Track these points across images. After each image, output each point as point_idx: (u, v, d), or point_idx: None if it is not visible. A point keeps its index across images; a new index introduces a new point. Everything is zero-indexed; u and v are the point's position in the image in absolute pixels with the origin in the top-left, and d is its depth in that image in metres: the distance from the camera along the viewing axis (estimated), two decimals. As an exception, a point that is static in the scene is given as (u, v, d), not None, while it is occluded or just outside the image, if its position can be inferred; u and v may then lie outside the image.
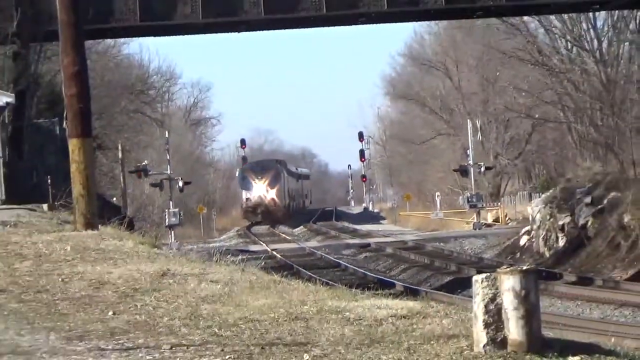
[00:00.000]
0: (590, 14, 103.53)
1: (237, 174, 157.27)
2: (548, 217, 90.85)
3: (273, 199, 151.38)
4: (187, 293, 29.08)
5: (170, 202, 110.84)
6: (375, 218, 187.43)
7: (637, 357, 24.72)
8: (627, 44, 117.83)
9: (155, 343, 22.37)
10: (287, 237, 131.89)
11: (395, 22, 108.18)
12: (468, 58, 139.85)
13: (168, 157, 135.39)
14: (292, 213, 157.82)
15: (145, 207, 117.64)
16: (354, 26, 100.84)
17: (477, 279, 22.34)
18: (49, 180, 52.92)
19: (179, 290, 29.41)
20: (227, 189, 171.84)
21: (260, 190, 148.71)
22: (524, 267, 30.34)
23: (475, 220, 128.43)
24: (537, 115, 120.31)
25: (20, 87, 64.39)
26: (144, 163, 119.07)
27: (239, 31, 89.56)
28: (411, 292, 46.89)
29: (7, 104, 60.38)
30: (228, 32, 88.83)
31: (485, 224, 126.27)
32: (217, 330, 23.73)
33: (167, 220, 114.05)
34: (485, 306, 21.27)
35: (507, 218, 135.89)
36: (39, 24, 57.76)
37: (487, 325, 21.08)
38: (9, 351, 21.81)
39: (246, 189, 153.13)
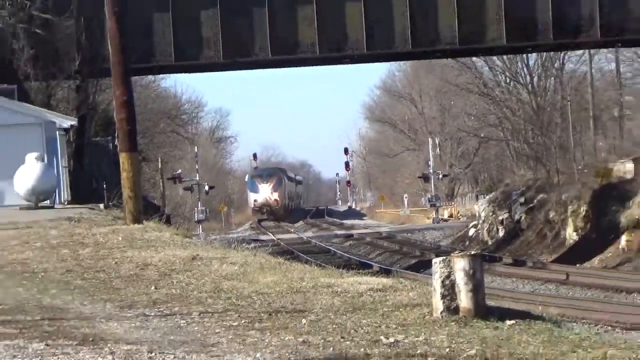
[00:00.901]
0: (524, 55, 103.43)
1: (246, 180, 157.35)
2: (490, 213, 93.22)
3: (276, 200, 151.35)
4: (211, 272, 29.20)
5: (199, 202, 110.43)
6: (357, 214, 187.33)
7: (558, 321, 25.04)
8: (552, 78, 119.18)
9: (187, 310, 22.47)
10: (290, 229, 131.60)
11: (372, 62, 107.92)
12: (429, 90, 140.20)
13: (197, 167, 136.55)
14: (291, 211, 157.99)
15: (179, 206, 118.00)
16: (341, 65, 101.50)
17: (436, 261, 22.79)
18: (104, 186, 53.07)
19: (205, 270, 29.51)
20: (243, 192, 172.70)
21: (266, 193, 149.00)
22: (472, 252, 31.55)
23: (434, 216, 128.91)
24: (482, 135, 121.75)
25: (81, 113, 64.44)
26: (178, 172, 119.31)
27: (251, 69, 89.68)
28: (385, 271, 46.78)
29: (71, 126, 60.48)
30: (243, 69, 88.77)
31: (442, 219, 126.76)
32: (234, 301, 23.84)
33: (196, 216, 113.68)
34: (442, 282, 21.64)
35: (459, 214, 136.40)
36: (95, 63, 57.70)
37: (443, 296, 21.42)
38: (75, 317, 21.86)
39: (254, 192, 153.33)
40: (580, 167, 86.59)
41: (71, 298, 24.98)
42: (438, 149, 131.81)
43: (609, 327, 29.93)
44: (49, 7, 65.07)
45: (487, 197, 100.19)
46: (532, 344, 19.02)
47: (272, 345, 18.50)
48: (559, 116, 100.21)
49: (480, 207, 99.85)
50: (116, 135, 48.99)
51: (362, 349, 18.05)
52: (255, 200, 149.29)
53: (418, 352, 17.88)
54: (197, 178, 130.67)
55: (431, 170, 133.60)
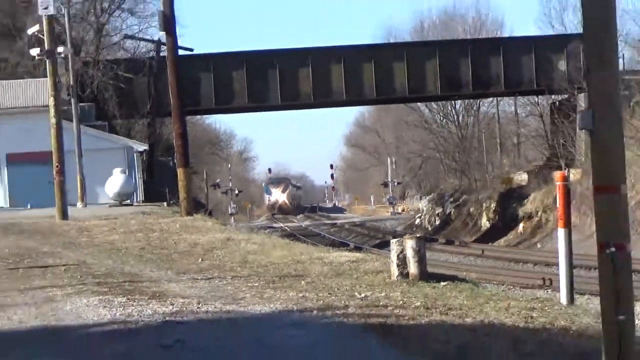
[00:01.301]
0: (453, 102, 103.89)
1: (263, 186, 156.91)
2: (430, 209, 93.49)
3: (284, 200, 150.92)
4: (240, 249, 29.37)
5: (231, 201, 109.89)
6: (339, 210, 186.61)
7: (476, 282, 25.23)
8: (471, 117, 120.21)
9: (223, 275, 22.56)
10: (293, 220, 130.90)
11: (349, 106, 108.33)
12: (388, 124, 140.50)
13: (230, 178, 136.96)
14: (294, 208, 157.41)
15: (218, 204, 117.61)
16: (328, 108, 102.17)
17: (393, 241, 23.05)
18: (167, 190, 53.34)
19: (235, 248, 29.64)
20: (261, 195, 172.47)
21: (277, 195, 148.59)
22: (417, 235, 31.60)
23: (391, 210, 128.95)
24: (424, 155, 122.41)
25: (151, 141, 64.52)
26: (217, 181, 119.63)
27: (267, 111, 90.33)
28: (358, 248, 46.68)
29: (144, 150, 60.63)
30: (261, 111, 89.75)
31: (397, 212, 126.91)
32: (255, 269, 23.94)
33: (229, 211, 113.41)
34: (397, 255, 21.70)
35: (408, 209, 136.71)
36: (161, 107, 57.86)
37: (398, 265, 21.51)
38: (146, 280, 21.94)
39: (269, 194, 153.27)
40: (491, 177, 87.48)
41: (143, 267, 25.08)
42: (394, 165, 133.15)
43: (511, 287, 30.09)
44: (129, 69, 65.01)
45: (427, 197, 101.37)
46: (458, 298, 19.07)
47: (281, 299, 18.56)
48: (476, 142, 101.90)
49: (423, 204, 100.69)
50: (175, 156, 48.88)
51: (342, 302, 18.05)
52: (269, 200, 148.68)
53: (381, 303, 17.85)
54: (230, 185, 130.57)
55: (389, 180, 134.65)
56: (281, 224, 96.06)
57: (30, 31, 50.91)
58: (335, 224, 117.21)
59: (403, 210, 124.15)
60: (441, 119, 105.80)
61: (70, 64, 52.31)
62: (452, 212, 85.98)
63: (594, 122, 11.16)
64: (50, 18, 46.38)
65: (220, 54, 67.96)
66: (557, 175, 24.87)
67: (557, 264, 20.84)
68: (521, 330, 15.89)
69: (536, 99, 78.99)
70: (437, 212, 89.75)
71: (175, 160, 49.83)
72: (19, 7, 64.40)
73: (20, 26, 56.84)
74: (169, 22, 47.22)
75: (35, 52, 48.09)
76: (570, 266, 20.14)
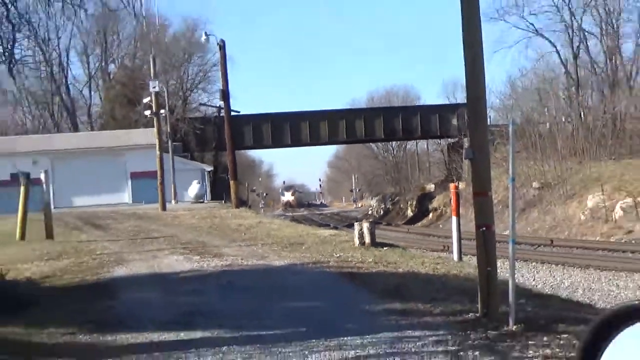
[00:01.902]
0: (392, 143, 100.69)
1: (280, 191, 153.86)
2: (377, 205, 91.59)
3: (292, 200, 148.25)
4: (266, 228, 29.08)
5: (261, 200, 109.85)
6: (324, 206, 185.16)
7: (405, 248, 25.00)
8: (402, 152, 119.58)
9: (256, 243, 22.36)
10: (298, 211, 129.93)
11: (331, 144, 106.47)
12: (354, 155, 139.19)
13: (260, 186, 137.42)
14: (298, 204, 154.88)
15: (253, 202, 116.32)
16: (318, 146, 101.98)
17: (355, 224, 22.92)
18: (224, 194, 52.74)
19: (264, 227, 29.39)
20: (279, 196, 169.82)
21: (288, 197, 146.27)
22: (369, 220, 31.32)
23: (355, 206, 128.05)
24: (374, 173, 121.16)
25: (215, 165, 63.55)
26: (254, 188, 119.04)
27: (283, 147, 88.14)
28: (335, 228, 46.23)
29: (211, 170, 59.96)
30: (279, 147, 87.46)
31: (358, 207, 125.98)
32: (275, 239, 23.68)
33: (260, 206, 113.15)
34: (358, 232, 21.47)
35: (364, 205, 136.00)
36: (221, 144, 56.83)
37: (358, 237, 21.28)
38: (211, 245, 21.76)
39: (283, 196, 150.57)
40: (412, 186, 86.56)
41: (210, 238, 24.87)
42: (356, 179, 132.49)
43: (425, 250, 29.61)
44: (202, 122, 64.60)
45: (376, 198, 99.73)
46: (394, 257, 19.04)
47: (291, 257, 18.52)
48: (403, 166, 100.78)
49: (373, 202, 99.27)
50: (228, 173, 48.53)
51: (326, 258, 17.98)
52: (283, 199, 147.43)
53: (349, 260, 17.77)
54: (261, 190, 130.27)
55: (353, 188, 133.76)
56: (290, 214, 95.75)
57: (144, 101, 50.93)
58: (322, 213, 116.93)
59: (361, 205, 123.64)
60: (384, 152, 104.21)
61: (167, 120, 52.28)
62: (390, 207, 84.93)
63: (473, 155, 11.23)
64: (156, 93, 46.54)
65: (255, 114, 67.74)
66: (451, 185, 24.98)
67: (451, 237, 20.85)
68: (431, 275, 15.89)
69: (439, 141, 78.21)
70: (381, 206, 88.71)
71: (229, 176, 49.36)
72: (138, 87, 64.18)
73: (139, 98, 56.69)
74: (225, 96, 47.27)
75: (147, 113, 48.28)
76: (459, 238, 20.24)
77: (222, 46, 47.88)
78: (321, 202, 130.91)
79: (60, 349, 9.97)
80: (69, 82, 77.92)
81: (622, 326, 1.16)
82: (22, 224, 25.33)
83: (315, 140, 74.20)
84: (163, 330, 10.70)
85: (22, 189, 26.15)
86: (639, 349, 1.10)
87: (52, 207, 27.98)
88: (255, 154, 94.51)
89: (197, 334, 10.43)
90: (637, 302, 1.19)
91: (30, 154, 50.84)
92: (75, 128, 74.83)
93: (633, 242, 35.72)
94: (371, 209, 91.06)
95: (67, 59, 77.16)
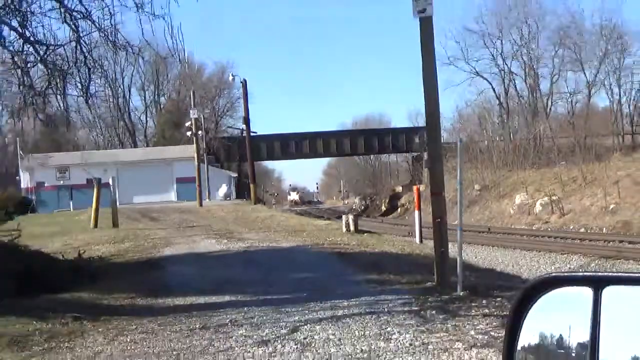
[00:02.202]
0: (371, 155, 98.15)
1: (287, 191, 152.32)
2: (359, 202, 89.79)
3: (299, 198, 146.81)
4: (277, 219, 28.80)
5: (273, 199, 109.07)
6: (320, 203, 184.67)
7: (380, 234, 24.79)
8: (377, 163, 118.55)
9: (269, 231, 22.19)
10: (302, 207, 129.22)
11: (324, 157, 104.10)
12: (342, 165, 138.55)
13: (273, 188, 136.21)
14: (301, 202, 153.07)
15: (267, 200, 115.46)
16: (317, 159, 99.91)
17: (343, 216, 22.60)
18: (245, 194, 52.18)
19: (275, 218, 29.12)
20: (286, 195, 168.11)
21: (294, 196, 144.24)
22: (354, 214, 30.69)
23: (343, 203, 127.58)
24: (357, 178, 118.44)
25: (238, 172, 62.27)
26: (267, 189, 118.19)
27: (290, 159, 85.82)
28: (328, 219, 45.71)
29: (236, 176, 58.84)
30: (288, 159, 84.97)
31: (345, 204, 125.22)
32: (283, 227, 23.49)
33: (272, 202, 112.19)
34: (345, 222, 21.29)
35: (350, 202, 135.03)
36: (243, 157, 55.99)
37: (345, 226, 21.10)
38: (236, 232, 21.63)
39: (290, 195, 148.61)
40: (385, 188, 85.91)
41: (235, 227, 24.73)
42: (344, 183, 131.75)
43: (395, 235, 29.30)
44: (230, 140, 64.11)
45: (358, 197, 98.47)
46: (372, 240, 18.94)
47: (295, 240, 18.41)
48: (379, 173, 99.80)
49: (356, 200, 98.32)
50: (249, 178, 48.24)
51: (321, 241, 17.87)
52: (290, 198, 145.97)
53: (338, 242, 17.67)
54: (273, 191, 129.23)
55: (342, 189, 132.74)
56: (295, 209, 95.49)
57: (186, 124, 50.70)
58: (318, 208, 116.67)
59: (347, 202, 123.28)
60: (364, 163, 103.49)
61: (203, 139, 52.08)
62: (368, 203, 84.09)
63: (431, 164, 11.20)
64: (195, 119, 46.33)
65: (269, 135, 66.97)
66: (415, 187, 24.83)
67: (414, 226, 20.72)
68: (399, 254, 15.85)
69: (406, 155, 77.69)
70: (362, 203, 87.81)
71: (249, 180, 49.09)
72: (182, 114, 63.89)
73: (182, 122, 56.50)
74: (246, 121, 47.01)
75: (188, 133, 48.01)
76: (420, 226, 20.10)
77: (244, 84, 47.76)
78: (318, 200, 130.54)
79: (123, 309, 9.98)
80: (130, 111, 78.64)
81: (541, 293, 1.15)
82: (95, 216, 25.55)
83: (313, 153, 74.14)
84: (199, 295, 10.70)
85: (95, 190, 26.58)
86: (553, 309, 1.10)
87: (117, 203, 27.98)
88: (269, 164, 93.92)
89: (225, 298, 10.43)
90: (552, 275, 1.18)
91: (102, 164, 50.79)
92: (135, 145, 75.37)
93: (549, 229, 36.02)
94: (355, 205, 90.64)
95: (129, 93, 77.93)
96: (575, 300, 1.08)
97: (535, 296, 1.16)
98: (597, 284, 1.07)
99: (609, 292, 1.05)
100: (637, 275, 1.08)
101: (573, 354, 1.08)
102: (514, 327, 1.18)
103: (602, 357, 1.03)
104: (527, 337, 1.16)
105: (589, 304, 1.05)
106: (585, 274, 1.11)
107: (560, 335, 1.10)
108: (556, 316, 1.12)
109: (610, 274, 1.08)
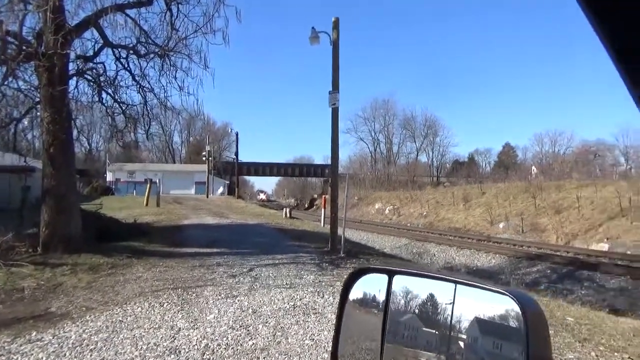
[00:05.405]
0: (305, 177, 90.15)
1: (257, 192, 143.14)
2: (294, 201, 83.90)
3: (264, 197, 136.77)
4: (249, 208, 28.10)
5: (248, 196, 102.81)
6: (275, 201, 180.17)
7: (303, 219, 24.10)
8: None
9: (244, 214, 21.61)
10: (265, 203, 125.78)
11: (276, 176, 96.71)
12: (287, 182, 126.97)
13: (250, 190, 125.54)
14: (267, 200, 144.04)
15: (245, 197, 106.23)
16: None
17: (284, 208, 21.89)
18: (233, 193, 50.99)
19: (248, 207, 28.41)
20: (255, 196, 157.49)
21: (262, 195, 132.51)
22: (290, 208, 28.81)
23: (286, 202, 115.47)
24: (294, 190, 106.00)
25: (230, 181, 60.43)
26: (245, 191, 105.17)
27: (262, 176, 79.20)
28: (277, 210, 44.38)
29: (227, 182, 57.47)
30: (261, 176, 79.70)
31: (287, 202, 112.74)
32: (251, 212, 22.87)
33: (247, 198, 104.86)
34: (284, 212, 20.87)
35: (288, 201, 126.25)
36: (233, 173, 53.90)
37: (285, 214, 20.68)
38: (225, 213, 21.04)
39: (259, 195, 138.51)
40: (308, 196, 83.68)
41: (226, 211, 24.05)
42: (286, 191, 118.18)
43: (311, 221, 28.64)
44: (225, 165, 62.13)
45: (293, 199, 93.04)
46: (299, 222, 18.67)
47: (258, 219, 17.94)
48: (306, 187, 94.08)
49: (292, 200, 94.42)
50: (237, 183, 47.14)
51: (272, 221, 17.47)
52: (258, 197, 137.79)
53: (281, 223, 17.35)
54: (249, 192, 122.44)
55: (285, 194, 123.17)
56: (261, 203, 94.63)
57: (203, 153, 49.57)
58: (273, 203, 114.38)
59: (287, 201, 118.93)
60: (298, 180, 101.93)
61: (213, 161, 51.11)
62: (299, 203, 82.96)
63: (332, 185, 11.04)
64: (208, 151, 45.41)
65: (248, 162, 65.90)
66: (323, 196, 24.53)
67: (322, 217, 20.58)
68: (312, 231, 15.67)
69: (321, 178, 78.61)
70: (295, 202, 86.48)
71: (235, 185, 48.28)
72: (201, 148, 62.61)
73: (201, 152, 55.40)
74: (236, 154, 46.52)
75: (203, 158, 46.85)
76: (324, 217, 19.94)
77: (237, 135, 47.29)
78: (273, 199, 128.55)
79: (156, 252, 9.54)
80: (173, 144, 78.35)
81: (361, 275, 1.12)
82: (147, 200, 24.88)
83: (271, 174, 73.86)
84: (200, 247, 10.35)
85: (148, 185, 26.04)
86: (367, 284, 1.08)
87: (160, 193, 27.17)
88: (247, 177, 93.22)
89: (214, 250, 10.09)
90: (366, 266, 1.14)
91: (154, 171, 49.44)
92: (174, 161, 74.47)
93: (392, 223, 36.21)
94: (291, 203, 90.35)
95: (173, 133, 77.49)
96: (379, 281, 1.04)
97: (359, 276, 1.13)
98: (390, 272, 1.02)
99: (397, 278, 1.01)
100: (410, 270, 1.06)
101: (379, 306, 1.03)
102: (346, 291, 1.13)
103: (391, 308, 0.98)
104: (354, 295, 1.12)
105: (385, 283, 1.02)
106: (383, 267, 1.09)
107: (373, 295, 1.06)
108: (369, 288, 1.09)
109: (397, 268, 1.06)
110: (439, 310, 0.93)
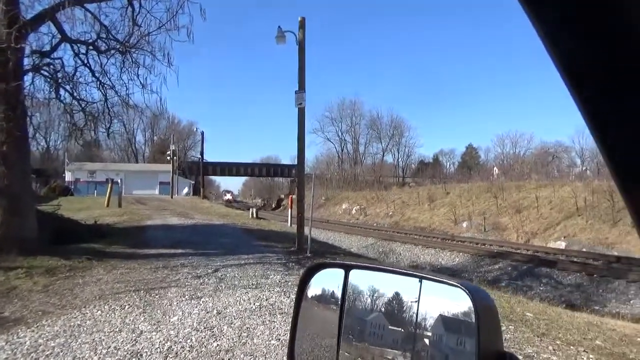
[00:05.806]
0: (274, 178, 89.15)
1: (223, 193, 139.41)
2: (260, 201, 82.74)
3: (230, 197, 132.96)
4: (215, 209, 27.70)
5: (213, 197, 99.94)
6: (241, 202, 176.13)
7: (270, 219, 23.75)
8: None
9: (209, 214, 21.28)
10: (231, 203, 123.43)
11: (243, 176, 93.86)
12: (254, 182, 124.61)
13: (216, 190, 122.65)
14: (233, 200, 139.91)
15: (210, 197, 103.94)
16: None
17: (251, 208, 21.71)
18: (198, 193, 49.19)
19: (213, 208, 27.95)
20: (221, 196, 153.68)
21: (228, 196, 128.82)
22: (257, 208, 28.80)
23: (252, 202, 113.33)
24: (260, 190, 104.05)
25: (195, 180, 59.30)
26: (211, 191, 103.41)
27: (230, 176, 78.54)
28: (244, 210, 43.46)
29: (194, 182, 55.74)
30: (228, 176, 78.83)
31: (253, 202, 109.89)
32: (217, 213, 22.50)
33: (213, 199, 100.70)
34: (251, 212, 20.69)
35: (255, 202, 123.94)
36: (199, 172, 52.70)
37: (251, 214, 20.48)
38: (191, 214, 20.61)
39: (225, 196, 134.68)
40: (275, 196, 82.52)
41: (191, 211, 23.49)
42: (253, 191, 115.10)
43: (278, 221, 28.25)
44: (191, 165, 61.22)
45: (260, 199, 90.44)
46: (265, 223, 18.55)
47: (222, 220, 17.70)
48: (274, 187, 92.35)
49: (259, 200, 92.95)
50: (202, 184, 46.32)
51: (238, 222, 17.32)
52: (224, 197, 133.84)
53: (247, 223, 17.20)
54: (214, 193, 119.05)
55: (252, 194, 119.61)
56: (226, 204, 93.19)
57: (167, 152, 48.52)
58: (239, 204, 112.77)
59: (254, 201, 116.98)
60: (265, 181, 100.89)
61: (177, 161, 50.23)
62: (265, 203, 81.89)
63: (298, 185, 11.10)
64: (173, 151, 44.59)
65: (213, 162, 64.97)
66: (290, 196, 24.42)
67: (288, 217, 20.53)
68: (279, 231, 15.63)
69: (288, 178, 78.56)
70: (262, 202, 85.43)
71: (200, 185, 47.48)
72: (165, 147, 61.47)
73: (165, 151, 54.42)
74: (202, 154, 45.87)
75: (168, 157, 45.85)
76: (291, 217, 19.83)
77: (202, 134, 46.76)
78: (239, 200, 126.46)
79: (117, 254, 9.25)
80: (136, 142, 76.37)
81: (318, 270, 1.15)
82: (108, 200, 24.00)
83: (237, 173, 73.16)
84: (164, 248, 10.12)
85: (109, 185, 25.30)
86: (324, 279, 1.12)
87: (122, 194, 26.43)
88: (213, 177, 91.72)
89: (179, 251, 9.90)
90: (322, 262, 1.17)
91: (116, 171, 48.18)
92: (137, 161, 72.66)
93: (358, 223, 36.42)
94: (258, 203, 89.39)
95: (135, 133, 75.52)
96: (336, 276, 1.06)
97: (315, 271, 1.16)
98: (347, 267, 1.04)
99: (353, 272, 1.04)
100: (366, 264, 1.07)
101: (337, 302, 1.04)
102: (302, 288, 1.16)
103: (350, 305, 1.01)
104: (312, 292, 1.10)
105: (342, 278, 1.05)
106: (341, 262, 1.12)
107: (332, 291, 1.07)
108: (327, 284, 1.09)
109: (353, 263, 1.10)
110: (403, 306, 0.93)
